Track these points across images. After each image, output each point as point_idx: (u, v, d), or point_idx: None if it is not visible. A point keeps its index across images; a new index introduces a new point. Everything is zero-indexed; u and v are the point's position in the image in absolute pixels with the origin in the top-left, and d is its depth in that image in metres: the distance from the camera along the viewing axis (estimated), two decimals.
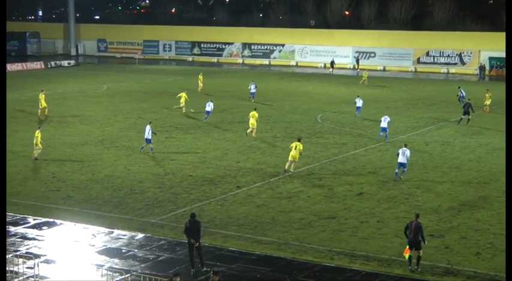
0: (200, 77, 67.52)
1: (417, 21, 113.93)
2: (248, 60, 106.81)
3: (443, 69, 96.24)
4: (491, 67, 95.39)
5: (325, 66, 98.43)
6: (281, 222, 26.65)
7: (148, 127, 38.35)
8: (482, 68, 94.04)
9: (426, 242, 22.05)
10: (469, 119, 49.18)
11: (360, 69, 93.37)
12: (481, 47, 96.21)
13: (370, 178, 33.68)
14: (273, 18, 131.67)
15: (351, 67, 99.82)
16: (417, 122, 50.93)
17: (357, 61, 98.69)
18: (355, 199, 29.95)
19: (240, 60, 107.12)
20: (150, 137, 38.37)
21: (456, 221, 26.90)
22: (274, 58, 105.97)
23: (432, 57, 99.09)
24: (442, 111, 56.36)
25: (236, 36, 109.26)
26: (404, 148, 33.30)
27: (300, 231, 25.58)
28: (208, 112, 48.99)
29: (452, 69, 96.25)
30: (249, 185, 32.05)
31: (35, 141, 36.43)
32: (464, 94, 59.65)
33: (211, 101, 49.94)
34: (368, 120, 51.30)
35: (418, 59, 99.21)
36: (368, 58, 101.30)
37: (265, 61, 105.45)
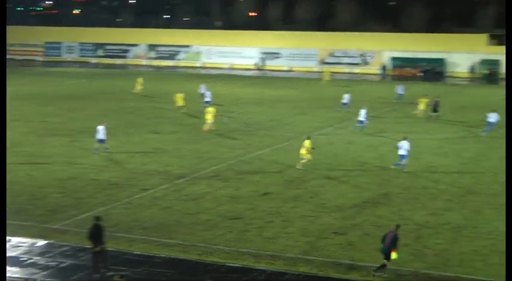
0: (140, 80, 66.97)
1: (322, 22, 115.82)
2: (154, 62, 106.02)
3: (347, 70, 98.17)
4: (394, 67, 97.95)
5: (232, 68, 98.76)
6: (187, 224, 26.47)
7: (101, 127, 38.50)
8: (384, 67, 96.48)
9: (394, 255, 21.58)
10: (438, 116, 52.05)
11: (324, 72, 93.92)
12: (383, 48, 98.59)
13: (275, 178, 33.91)
14: (179, 20, 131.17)
15: (256, 68, 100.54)
16: (322, 122, 51.68)
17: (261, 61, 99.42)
18: (261, 199, 30.07)
19: (145, 62, 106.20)
20: (103, 138, 38.60)
21: (359, 218, 27.39)
22: (180, 60, 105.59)
23: (336, 58, 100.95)
24: (347, 110, 57.35)
25: (141, 38, 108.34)
26: (403, 141, 35.30)
27: (206, 232, 25.47)
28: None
29: (356, 70, 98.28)
30: (155, 188, 31.71)
31: None
32: (402, 93, 62.64)
33: None
34: (273, 120, 51.73)
35: (323, 59, 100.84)
36: (274, 59, 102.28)
37: (171, 63, 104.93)
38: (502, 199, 29.84)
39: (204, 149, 40.37)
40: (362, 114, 47.79)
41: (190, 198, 30.14)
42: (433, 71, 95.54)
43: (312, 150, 36.14)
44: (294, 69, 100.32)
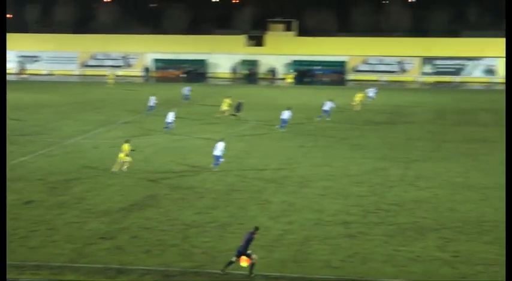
0: None
1: (83, 24, 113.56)
2: None
3: (107, 72, 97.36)
4: (157, 69, 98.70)
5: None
6: None
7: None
8: (146, 69, 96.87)
9: (244, 264, 21.65)
10: (237, 116, 54.21)
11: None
12: (145, 50, 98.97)
13: (39, 185, 32.71)
14: None
15: (15, 72, 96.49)
16: (86, 126, 50.69)
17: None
18: (24, 208, 28.84)
19: None
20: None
21: (127, 221, 27.19)
22: None
23: (98, 60, 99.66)
24: (110, 113, 56.81)
25: None
26: (220, 142, 35.95)
27: None
28: None
29: (120, 72, 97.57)
30: None
31: None
32: (188, 93, 63.44)
33: None
34: (36, 126, 49.95)
35: (84, 62, 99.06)
36: (33, 62, 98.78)
37: None
38: (265, 195, 31.25)
39: None
40: (170, 117, 48.04)
41: None
42: (195, 72, 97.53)
43: (131, 152, 35.77)
44: (55, 72, 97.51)
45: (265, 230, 25.79)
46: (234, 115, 54.59)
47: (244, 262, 21.63)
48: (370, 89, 67.76)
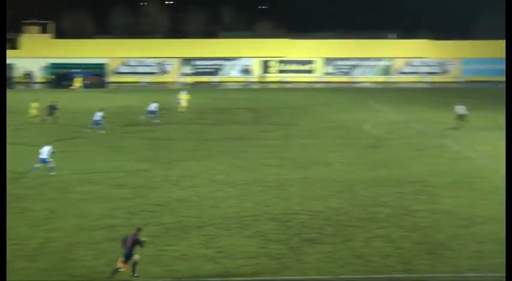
0: None
1: None
2: None
3: None
4: None
5: None
6: None
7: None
8: None
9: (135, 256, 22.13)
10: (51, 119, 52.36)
11: None
12: None
13: None
14: None
15: None
16: None
17: None
18: None
19: None
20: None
21: None
22: None
23: None
24: None
25: None
26: (46, 148, 35.86)
27: None
28: None
29: None
30: None
31: None
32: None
33: None
34: None
35: None
36: None
37: None
38: (24, 203, 30.03)
39: None
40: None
41: None
42: None
43: None
44: None
45: (25, 239, 24.90)
46: (47, 119, 52.60)
47: (119, 263, 21.86)
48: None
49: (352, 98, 71.48)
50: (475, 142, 45.53)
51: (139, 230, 22.83)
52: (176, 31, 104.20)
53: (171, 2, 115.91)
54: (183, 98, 62.03)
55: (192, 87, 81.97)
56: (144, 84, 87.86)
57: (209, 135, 48.95)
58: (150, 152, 42.26)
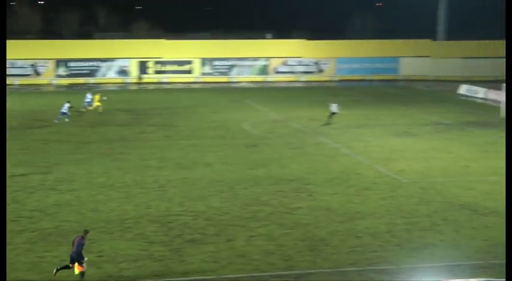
0: None
1: None
2: None
3: None
4: None
5: None
6: None
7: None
8: None
9: (85, 259, 21.63)
10: None
11: None
12: None
13: None
14: None
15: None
16: None
17: None
18: None
19: None
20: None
21: None
22: None
23: None
24: None
25: None
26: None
27: None
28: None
29: None
30: None
31: None
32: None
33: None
34: None
35: None
36: None
37: None
38: None
39: None
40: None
41: None
42: None
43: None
44: None
45: None
46: None
47: (76, 269, 21.18)
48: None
49: (231, 98, 72.04)
50: (350, 139, 46.93)
51: (86, 232, 22.56)
52: (50, 32, 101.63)
53: (42, 2, 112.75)
54: (95, 98, 60.69)
55: (68, 89, 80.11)
56: (16, 86, 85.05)
57: (88, 137, 48.00)
58: (25, 157, 40.98)
